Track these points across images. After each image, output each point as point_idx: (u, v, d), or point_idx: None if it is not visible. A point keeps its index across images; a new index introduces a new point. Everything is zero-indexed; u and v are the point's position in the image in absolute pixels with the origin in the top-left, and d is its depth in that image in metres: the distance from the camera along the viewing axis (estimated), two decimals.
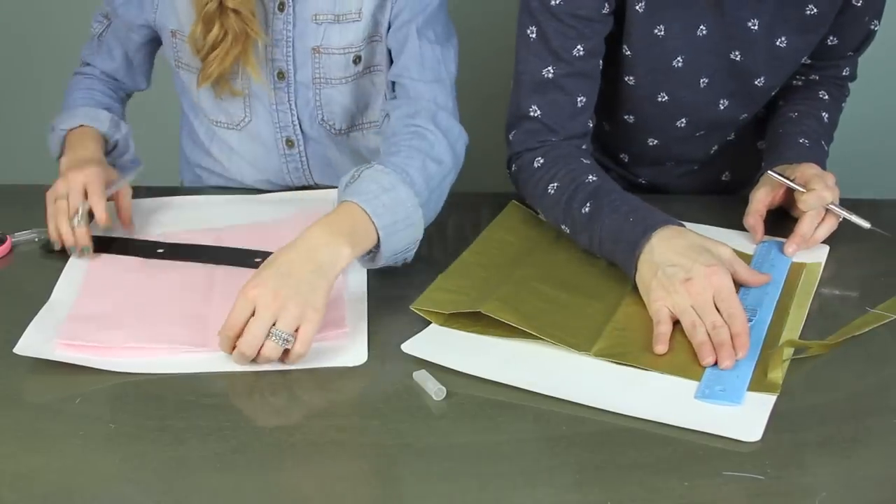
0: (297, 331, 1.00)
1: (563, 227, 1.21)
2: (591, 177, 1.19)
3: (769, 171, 1.24)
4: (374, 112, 1.39)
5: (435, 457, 0.90)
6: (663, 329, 1.05)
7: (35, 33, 2.16)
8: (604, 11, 1.21)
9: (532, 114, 1.25)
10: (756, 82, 1.29)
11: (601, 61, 1.25)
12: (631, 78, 1.28)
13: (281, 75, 1.34)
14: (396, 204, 1.09)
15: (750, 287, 1.12)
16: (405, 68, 1.27)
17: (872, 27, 1.30)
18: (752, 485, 0.86)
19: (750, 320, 1.06)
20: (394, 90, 1.29)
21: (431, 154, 1.18)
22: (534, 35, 1.23)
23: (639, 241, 1.10)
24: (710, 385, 0.98)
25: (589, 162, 1.24)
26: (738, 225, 1.27)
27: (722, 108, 1.32)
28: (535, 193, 1.24)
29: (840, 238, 1.24)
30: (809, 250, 1.22)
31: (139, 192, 1.35)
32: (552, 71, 1.22)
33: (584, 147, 1.28)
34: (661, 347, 1.03)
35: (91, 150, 1.30)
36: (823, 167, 1.26)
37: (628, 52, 1.25)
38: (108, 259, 1.21)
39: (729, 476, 0.87)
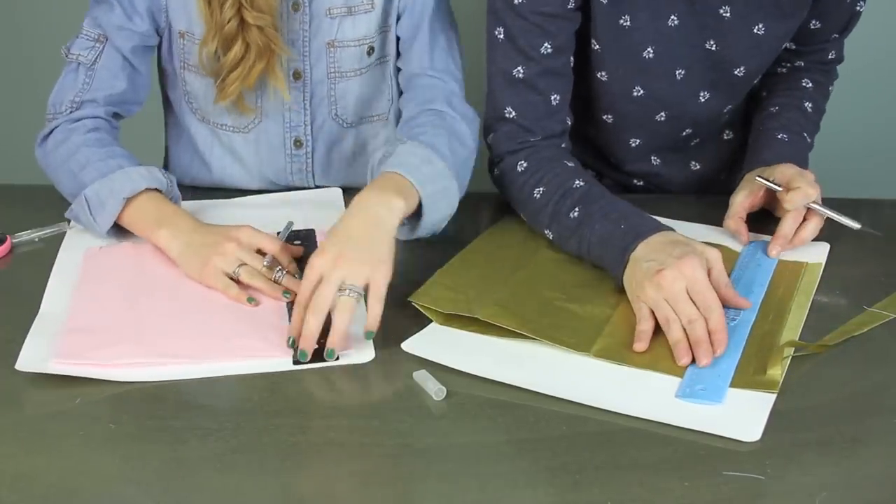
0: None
1: (546, 231, 1.20)
2: (577, 181, 1.19)
3: (747, 175, 1.24)
4: (383, 103, 1.39)
5: (435, 457, 0.90)
6: (644, 327, 1.04)
7: (34, 32, 2.16)
8: (569, 7, 1.21)
9: (508, 115, 1.25)
10: (736, 72, 1.28)
11: (572, 58, 1.25)
12: (603, 73, 1.27)
13: (297, 75, 1.33)
14: (435, 175, 1.15)
15: (735, 286, 1.11)
16: (419, 61, 1.30)
17: (858, 8, 1.29)
18: (752, 485, 0.86)
19: (733, 320, 1.06)
20: (406, 83, 1.31)
21: (454, 132, 1.23)
22: (501, 35, 1.22)
23: (628, 247, 1.09)
24: (691, 384, 0.98)
25: (573, 165, 1.23)
26: None
27: (703, 100, 1.31)
28: (520, 198, 1.24)
29: (840, 238, 1.24)
30: (810, 250, 1.22)
31: None
32: (522, 71, 1.22)
33: (563, 146, 1.27)
34: (640, 345, 1.03)
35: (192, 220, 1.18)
36: (805, 161, 1.26)
37: (597, 47, 1.24)
38: (98, 267, 1.19)
39: (729, 476, 0.87)
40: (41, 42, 2.16)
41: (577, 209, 1.16)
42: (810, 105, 1.32)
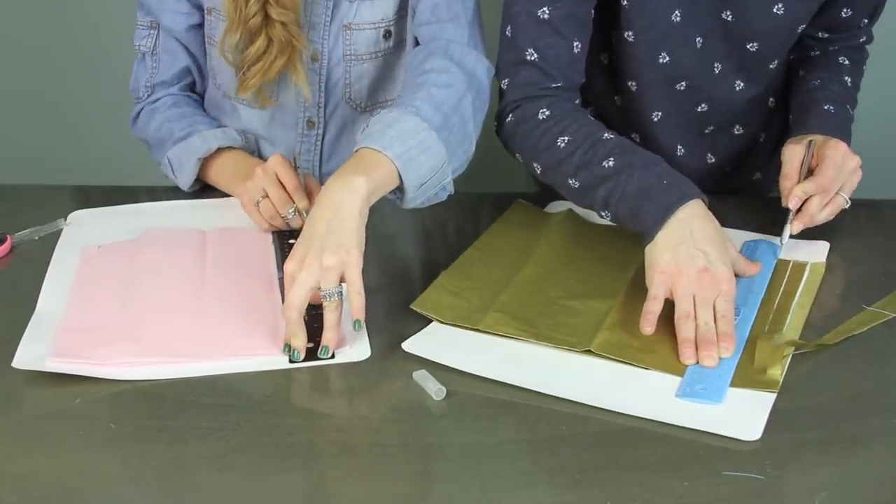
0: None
1: (571, 181, 1.17)
2: (606, 134, 1.18)
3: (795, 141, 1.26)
4: (397, 88, 1.39)
5: (435, 457, 0.91)
6: (654, 308, 1.05)
7: (33, 34, 2.16)
8: None
9: (529, 57, 1.23)
10: (749, 46, 1.28)
11: (593, 11, 1.24)
12: (630, 34, 1.26)
13: (314, 57, 1.34)
14: (405, 133, 1.09)
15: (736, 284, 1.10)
16: (421, 14, 1.28)
17: None
18: (752, 485, 0.86)
19: (734, 318, 1.06)
20: (415, 33, 1.30)
21: (437, 82, 1.17)
22: None
23: (673, 205, 1.09)
24: (691, 384, 0.98)
25: (596, 119, 1.23)
26: (738, 224, 1.27)
27: (717, 72, 1.31)
28: (539, 146, 1.21)
29: (840, 237, 1.24)
30: (810, 249, 1.22)
31: (123, 193, 1.35)
32: (547, 11, 1.21)
33: (578, 102, 1.26)
34: (648, 329, 1.04)
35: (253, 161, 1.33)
36: (848, 133, 1.29)
37: (625, 3, 1.24)
38: (95, 266, 1.19)
39: (729, 476, 0.87)
40: (41, 44, 2.16)
41: (612, 159, 1.14)
42: (849, 80, 1.36)
